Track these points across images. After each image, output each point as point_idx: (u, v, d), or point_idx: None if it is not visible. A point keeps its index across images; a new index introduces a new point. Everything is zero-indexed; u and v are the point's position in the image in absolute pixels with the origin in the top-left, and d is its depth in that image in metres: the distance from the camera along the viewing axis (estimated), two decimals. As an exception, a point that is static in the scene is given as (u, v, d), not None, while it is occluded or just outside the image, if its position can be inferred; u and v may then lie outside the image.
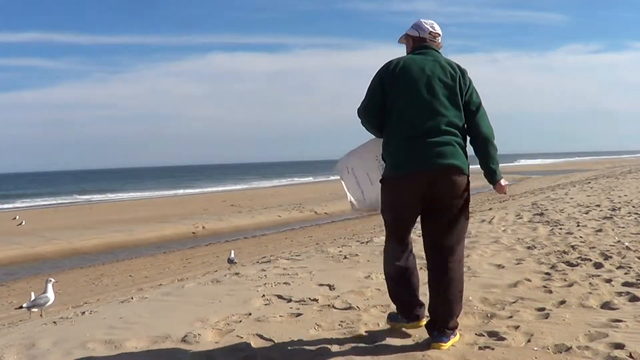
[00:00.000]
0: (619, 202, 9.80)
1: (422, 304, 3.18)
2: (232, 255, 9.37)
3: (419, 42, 3.13)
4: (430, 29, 3.13)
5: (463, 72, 3.03)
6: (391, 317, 3.32)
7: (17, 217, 19.87)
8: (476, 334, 3.10)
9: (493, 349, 2.87)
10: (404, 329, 3.21)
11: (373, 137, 3.26)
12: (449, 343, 2.93)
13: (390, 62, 3.03)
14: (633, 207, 8.95)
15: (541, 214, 8.66)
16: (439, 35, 3.16)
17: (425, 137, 2.85)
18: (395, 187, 2.95)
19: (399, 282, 3.14)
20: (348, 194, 3.37)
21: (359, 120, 3.16)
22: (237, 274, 5.36)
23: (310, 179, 51.12)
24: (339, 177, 3.42)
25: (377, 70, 3.06)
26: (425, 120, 2.87)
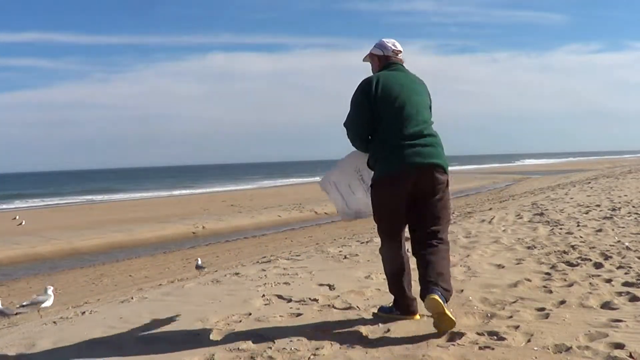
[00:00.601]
0: (619, 202, 9.80)
1: (415, 298, 3.41)
2: (200, 262, 9.15)
3: (385, 60, 3.48)
4: (393, 47, 3.48)
5: (425, 84, 3.48)
6: (383, 310, 3.51)
7: (17, 217, 19.85)
8: (476, 334, 3.10)
9: (493, 349, 2.87)
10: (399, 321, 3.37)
11: (352, 150, 3.52)
12: (444, 305, 3.00)
13: (370, 80, 3.34)
14: (633, 207, 8.95)
15: (541, 214, 8.67)
16: (401, 52, 3.51)
17: (411, 141, 3.19)
18: (388, 187, 3.22)
19: (401, 277, 3.36)
20: (335, 205, 3.64)
21: (348, 136, 3.43)
22: (237, 274, 5.37)
23: (310, 179, 51.12)
24: (325, 193, 3.65)
25: (358, 88, 3.35)
26: (410, 127, 3.22)
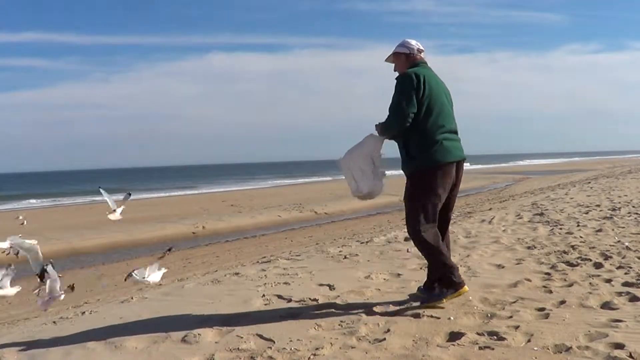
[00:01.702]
0: (619, 202, 9.80)
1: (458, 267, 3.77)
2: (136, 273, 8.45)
3: (412, 59, 3.71)
4: (417, 46, 3.72)
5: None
6: (433, 298, 3.64)
7: (20, 217, 19.57)
8: (476, 334, 3.10)
9: (493, 349, 2.87)
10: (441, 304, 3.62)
11: (368, 135, 3.75)
12: None
13: (417, 75, 3.54)
14: (633, 207, 8.95)
15: (541, 214, 8.67)
16: (423, 50, 3.76)
17: (452, 136, 3.62)
18: (441, 174, 3.55)
19: (444, 253, 3.63)
20: (349, 184, 3.86)
21: (389, 120, 3.57)
22: (237, 274, 5.36)
23: (311, 179, 51.12)
24: (341, 171, 3.88)
25: (407, 80, 3.53)
26: (449, 123, 3.62)
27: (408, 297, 3.92)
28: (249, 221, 18.40)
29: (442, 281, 3.65)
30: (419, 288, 4.00)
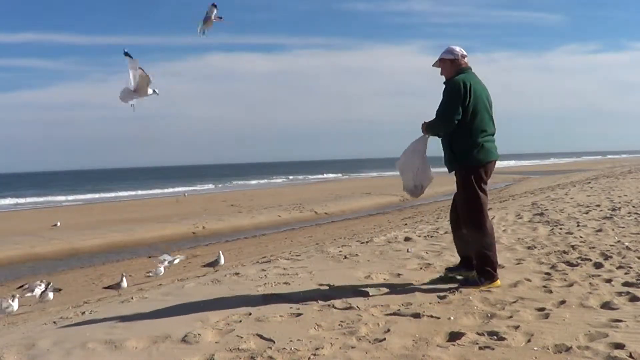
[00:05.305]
0: (619, 202, 9.80)
1: None
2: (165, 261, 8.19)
3: (458, 64, 4.02)
4: (461, 52, 4.04)
5: None
6: (470, 284, 4.03)
7: (59, 224, 19.08)
8: (476, 334, 3.10)
9: (493, 349, 2.87)
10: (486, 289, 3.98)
11: (420, 137, 4.17)
12: None
13: (464, 83, 3.90)
14: (633, 207, 8.95)
15: (541, 214, 8.66)
16: (466, 56, 4.08)
17: (490, 138, 4.02)
18: (482, 171, 3.98)
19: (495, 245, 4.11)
20: (405, 183, 4.29)
21: (436, 122, 4.02)
22: (237, 274, 5.36)
23: (311, 179, 51.14)
24: (401, 172, 4.29)
25: (456, 87, 3.89)
26: (490, 127, 4.02)
27: (441, 277, 4.42)
28: (249, 221, 18.41)
29: (482, 272, 4.02)
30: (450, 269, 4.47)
